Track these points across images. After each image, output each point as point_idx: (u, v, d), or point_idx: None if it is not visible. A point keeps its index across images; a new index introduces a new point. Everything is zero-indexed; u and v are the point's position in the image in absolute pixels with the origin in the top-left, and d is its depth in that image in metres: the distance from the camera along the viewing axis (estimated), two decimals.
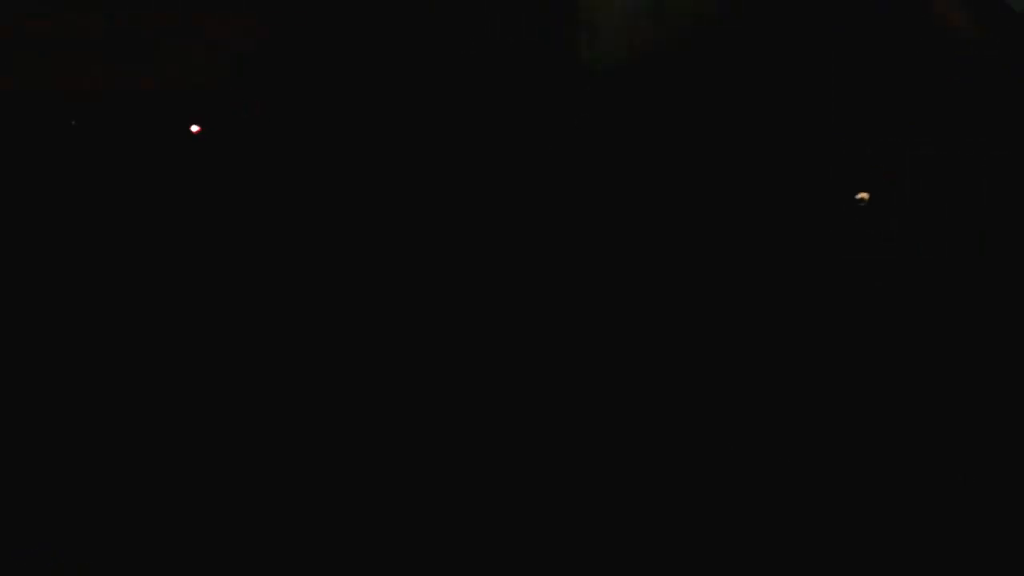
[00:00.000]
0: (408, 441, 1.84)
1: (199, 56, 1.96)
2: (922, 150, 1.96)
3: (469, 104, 2.03)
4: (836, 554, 1.72)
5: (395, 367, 1.88)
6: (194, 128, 2.01)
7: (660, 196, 2.01)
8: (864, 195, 1.78)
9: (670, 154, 2.03)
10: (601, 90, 2.07)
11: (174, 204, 1.97)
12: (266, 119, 2.01)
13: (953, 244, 1.98)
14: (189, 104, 1.99)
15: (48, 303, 1.91)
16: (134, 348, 1.90)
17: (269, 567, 1.71)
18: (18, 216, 1.95)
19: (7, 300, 1.91)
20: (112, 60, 1.95)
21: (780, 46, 1.99)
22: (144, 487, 1.78)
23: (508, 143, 2.02)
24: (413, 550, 1.72)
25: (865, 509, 1.77)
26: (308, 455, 1.83)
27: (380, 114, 2.02)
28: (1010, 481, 1.77)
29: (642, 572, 1.71)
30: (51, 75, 1.96)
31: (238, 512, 1.76)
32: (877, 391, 1.89)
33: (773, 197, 2.00)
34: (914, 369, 1.91)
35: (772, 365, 1.92)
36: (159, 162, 1.98)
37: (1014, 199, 1.95)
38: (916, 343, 1.93)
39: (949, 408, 1.87)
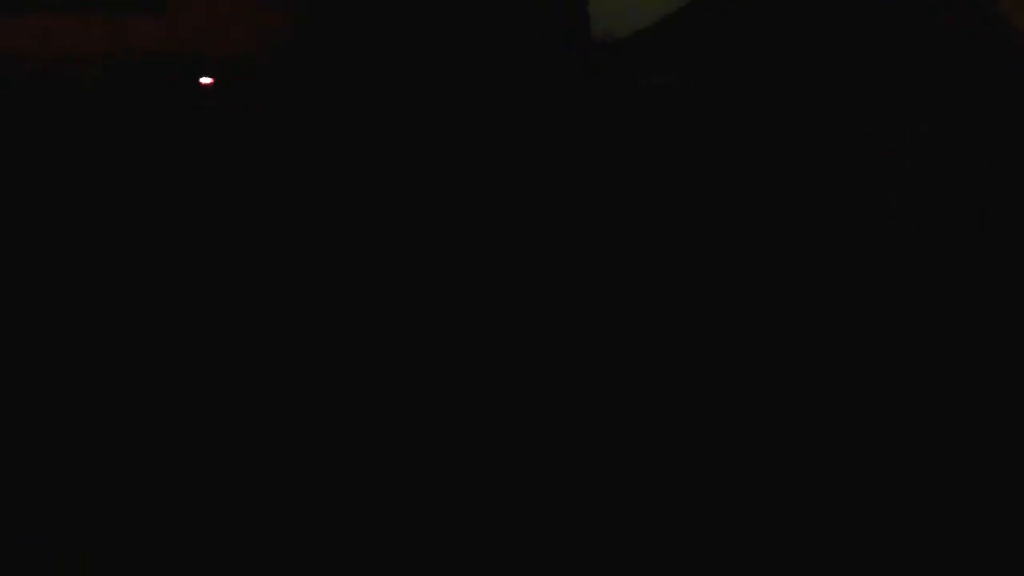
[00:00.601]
0: (409, 440, 1.84)
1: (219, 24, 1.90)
2: (928, 143, 1.95)
3: (489, 83, 2.01)
4: (836, 554, 1.74)
5: (417, 357, 1.87)
6: (205, 80, 1.95)
7: (664, 179, 2.00)
8: None
9: (679, 133, 2.02)
10: (612, 68, 2.05)
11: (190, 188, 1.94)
12: (291, 105, 1.97)
13: (953, 234, 1.98)
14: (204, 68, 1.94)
15: (62, 294, 1.89)
16: (144, 343, 1.89)
17: (269, 567, 1.72)
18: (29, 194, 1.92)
19: (10, 298, 1.89)
20: (123, 21, 1.88)
21: (793, 25, 1.97)
22: (144, 486, 1.77)
23: (524, 123, 2.01)
24: (412, 550, 1.73)
25: (865, 508, 1.78)
26: (308, 454, 1.82)
27: (398, 98, 2.00)
28: (1010, 481, 1.78)
29: (642, 572, 1.72)
30: (54, 37, 1.89)
31: (238, 510, 1.76)
32: (877, 380, 1.90)
33: (778, 183, 1.99)
34: (913, 361, 1.92)
35: (771, 356, 1.92)
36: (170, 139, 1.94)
37: (1014, 192, 1.94)
38: (915, 334, 1.93)
39: (948, 401, 1.87)
